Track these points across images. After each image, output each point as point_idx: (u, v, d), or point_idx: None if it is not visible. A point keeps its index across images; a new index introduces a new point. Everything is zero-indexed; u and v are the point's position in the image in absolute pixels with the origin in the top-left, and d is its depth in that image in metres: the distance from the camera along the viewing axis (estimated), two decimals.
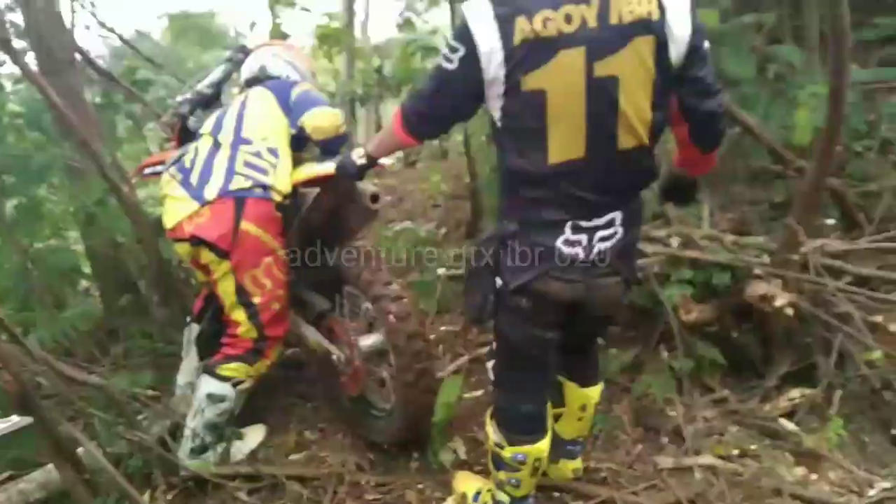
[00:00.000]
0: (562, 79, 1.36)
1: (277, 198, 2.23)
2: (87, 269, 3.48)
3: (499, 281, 1.60)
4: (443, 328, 3.26)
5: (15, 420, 0.70)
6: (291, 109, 2.33)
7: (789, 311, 2.28)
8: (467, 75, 1.42)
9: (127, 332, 3.18)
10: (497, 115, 1.47)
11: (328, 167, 2.11)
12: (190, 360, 2.59)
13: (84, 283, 3.74)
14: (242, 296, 2.22)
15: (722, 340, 2.58)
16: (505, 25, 1.35)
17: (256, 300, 2.23)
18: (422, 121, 1.61)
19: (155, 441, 2.19)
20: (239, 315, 2.25)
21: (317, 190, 2.27)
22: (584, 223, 1.50)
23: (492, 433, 1.81)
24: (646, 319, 2.69)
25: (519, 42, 1.34)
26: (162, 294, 3.13)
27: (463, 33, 1.40)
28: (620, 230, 1.54)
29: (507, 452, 1.76)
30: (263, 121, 2.32)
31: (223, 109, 2.44)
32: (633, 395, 2.49)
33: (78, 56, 3.32)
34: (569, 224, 1.49)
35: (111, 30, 4.07)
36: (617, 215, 1.53)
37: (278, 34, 4.77)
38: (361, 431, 2.43)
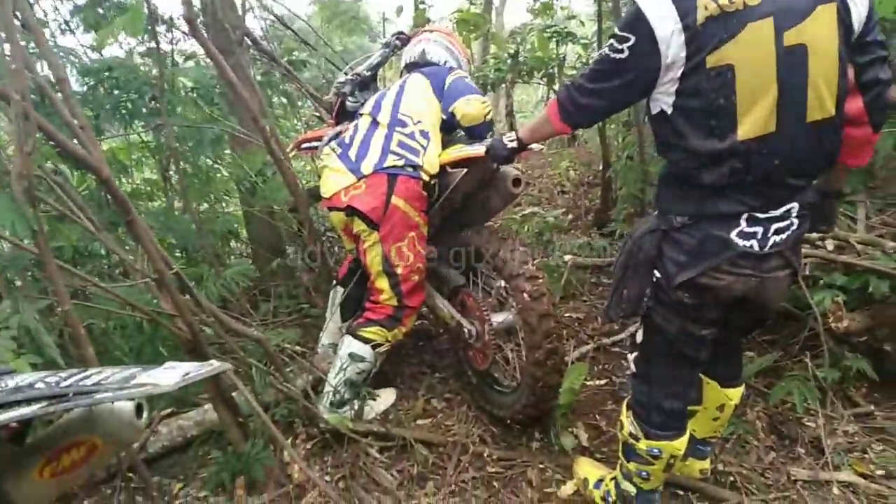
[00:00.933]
0: (751, 52, 1.33)
1: (425, 177, 2.37)
2: (243, 234, 3.82)
3: (657, 274, 1.59)
4: (567, 315, 3.28)
5: (215, 364, 0.81)
6: (445, 95, 2.46)
7: None
8: (640, 64, 1.40)
9: (276, 292, 3.48)
10: (669, 100, 1.43)
11: (479, 149, 2.20)
12: (334, 322, 2.80)
13: (238, 246, 4.12)
14: (387, 265, 2.39)
15: (873, 352, 2.41)
16: (684, 5, 1.32)
17: (399, 270, 2.39)
18: (580, 111, 1.60)
19: (299, 393, 2.39)
20: (382, 283, 2.42)
21: (463, 171, 2.36)
22: (760, 214, 1.46)
23: (627, 424, 1.81)
24: (789, 323, 2.56)
25: (703, 20, 1.31)
26: (309, 259, 3.37)
27: (635, 21, 1.38)
28: (796, 222, 1.50)
29: (643, 445, 1.76)
30: (419, 105, 2.45)
31: (382, 92, 2.60)
32: (770, 402, 2.39)
33: (246, 37, 3.62)
34: (745, 216, 1.45)
35: (274, 15, 4.36)
36: (794, 206, 1.48)
37: (422, 19, 4.91)
38: (486, 405, 2.52)
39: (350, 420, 2.38)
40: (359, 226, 2.38)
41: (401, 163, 2.33)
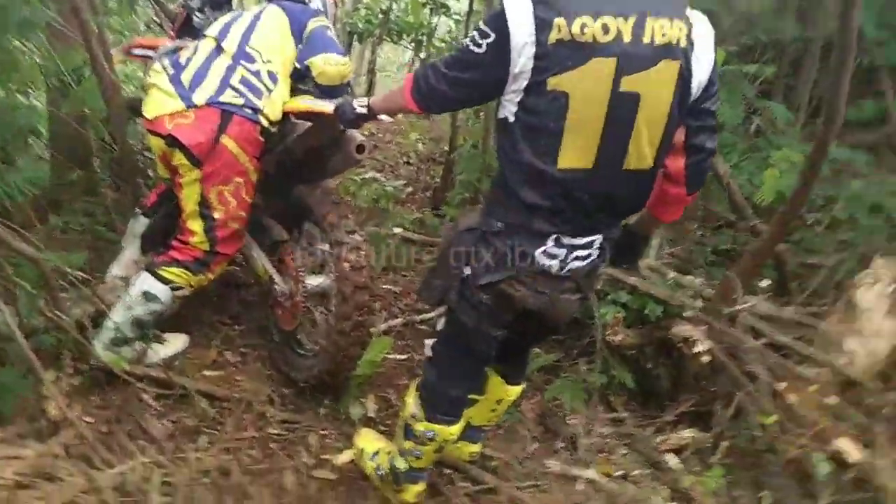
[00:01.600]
0: (588, 85, 1.37)
1: (265, 122, 2.21)
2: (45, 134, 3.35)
3: (467, 270, 1.64)
4: (384, 286, 3.31)
5: None
6: (303, 41, 2.28)
7: (706, 359, 2.42)
8: (494, 63, 1.41)
9: (71, 207, 3.11)
10: (513, 108, 1.45)
11: (327, 106, 2.10)
12: (130, 252, 2.56)
13: (36, 147, 3.61)
14: (204, 207, 2.21)
15: (638, 367, 2.72)
16: (542, 22, 1.34)
17: (217, 215, 2.22)
18: (433, 95, 1.58)
19: (73, 323, 2.17)
20: (195, 225, 2.24)
21: (307, 124, 2.26)
22: (566, 239, 1.54)
23: (411, 404, 1.88)
24: (575, 329, 2.80)
25: (554, 41, 1.34)
26: (116, 178, 3.06)
27: (498, 21, 1.38)
28: (596, 252, 1.60)
29: (421, 426, 1.84)
30: (272, 42, 2.27)
31: (234, 16, 2.36)
32: (545, 398, 2.61)
33: None
34: (553, 237, 1.53)
35: None
36: (598, 238, 1.58)
37: None
38: (283, 366, 2.47)
39: (126, 361, 2.21)
40: (179, 158, 2.15)
41: (240, 101, 2.15)
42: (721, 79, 3.26)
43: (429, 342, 1.90)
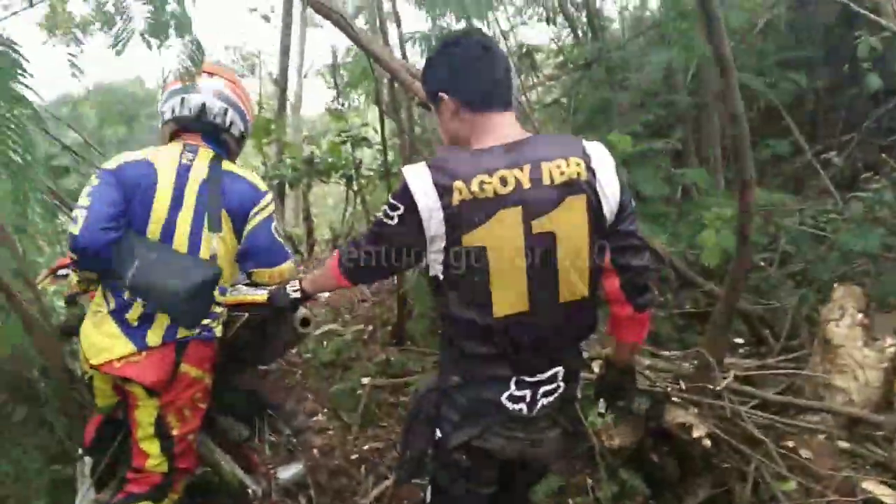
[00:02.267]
0: (501, 236, 1.41)
1: (219, 334, 2.10)
2: None
3: (438, 433, 1.58)
4: (365, 447, 3.15)
5: None
6: (245, 242, 2.07)
7: (707, 443, 2.34)
8: (408, 232, 1.45)
9: (22, 447, 2.90)
10: (439, 268, 1.48)
11: (259, 294, 2.06)
12: (87, 500, 2.35)
13: None
14: (161, 427, 2.04)
15: (643, 463, 2.61)
16: (443, 188, 1.40)
17: (175, 432, 2.06)
18: (357, 269, 1.66)
19: None
20: (152, 447, 2.06)
21: (244, 315, 2.17)
22: (528, 378, 1.51)
23: None
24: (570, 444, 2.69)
25: (458, 202, 1.39)
26: (64, 410, 2.89)
27: (403, 194, 1.43)
28: (563, 385, 1.57)
29: None
30: (225, 256, 2.06)
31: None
32: None
33: None
34: (513, 379, 1.50)
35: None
36: (559, 370, 1.56)
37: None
38: None
39: None
40: (133, 388, 1.98)
41: (195, 331, 2.01)
42: (636, 159, 3.48)
43: None
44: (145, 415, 2.04)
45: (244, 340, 2.24)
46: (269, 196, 2.14)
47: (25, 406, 3.03)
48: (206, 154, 2.08)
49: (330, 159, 6.34)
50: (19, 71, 1.65)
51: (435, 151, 5.08)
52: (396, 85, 4.28)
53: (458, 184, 1.39)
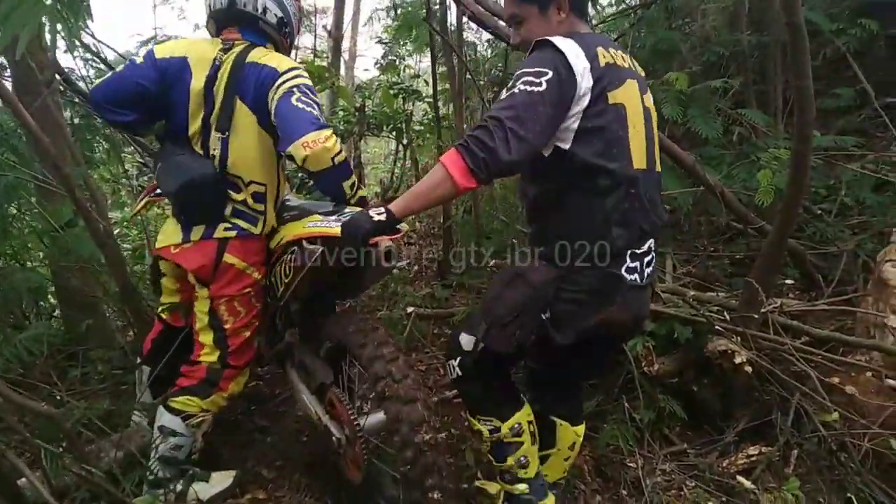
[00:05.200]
0: (632, 97, 1.64)
1: (266, 231, 2.18)
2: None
3: (544, 315, 1.69)
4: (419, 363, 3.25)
5: None
6: (278, 128, 1.97)
7: (748, 369, 2.32)
8: (558, 92, 1.51)
9: (87, 356, 3.11)
10: (569, 135, 1.57)
11: (331, 227, 1.93)
12: (143, 402, 2.49)
13: (47, 305, 3.66)
14: (214, 319, 2.17)
15: (683, 393, 2.61)
16: (588, 52, 1.56)
17: (227, 325, 2.18)
18: (501, 155, 1.45)
19: (104, 474, 2.11)
20: (206, 337, 2.19)
21: (319, 249, 2.00)
22: (637, 250, 1.66)
23: (481, 426, 1.86)
24: (608, 369, 2.71)
25: (604, 64, 1.58)
26: (126, 321, 3.07)
27: (553, 57, 1.53)
28: (653, 257, 1.75)
29: (505, 428, 1.83)
30: (248, 156, 2.08)
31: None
32: (597, 445, 2.49)
33: (58, 76, 3.31)
34: (628, 252, 1.64)
35: (95, 53, 4.04)
36: (651, 242, 1.71)
37: None
38: None
39: (163, 502, 2.12)
40: (190, 277, 2.15)
41: (232, 233, 2.10)
42: (693, 99, 3.39)
43: (454, 362, 1.85)
44: (201, 305, 2.18)
45: (324, 278, 2.16)
46: (292, 72, 2.00)
47: (91, 318, 3.23)
48: (237, 48, 2.06)
49: (384, 109, 6.35)
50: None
51: (484, 94, 5.06)
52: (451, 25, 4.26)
53: (601, 50, 1.58)
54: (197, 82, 2.02)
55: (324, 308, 2.42)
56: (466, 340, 1.79)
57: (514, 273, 1.70)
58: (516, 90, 1.51)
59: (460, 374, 1.85)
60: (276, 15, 2.15)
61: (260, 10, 2.12)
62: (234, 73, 2.02)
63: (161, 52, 2.06)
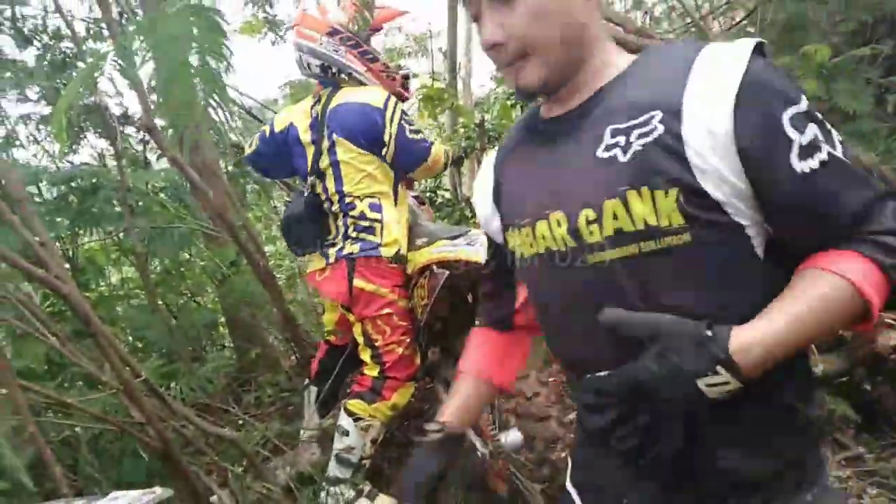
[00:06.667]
0: None
1: (389, 252, 2.35)
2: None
3: None
4: (551, 379, 3.25)
5: (158, 492, 0.80)
6: (395, 158, 2.36)
7: None
8: None
9: (258, 382, 3.45)
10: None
11: (465, 251, 2.15)
12: (311, 421, 2.68)
13: (219, 338, 4.10)
14: (366, 338, 2.39)
15: (854, 393, 2.40)
16: None
17: (378, 343, 2.38)
18: None
19: (281, 489, 2.32)
20: (365, 355, 2.42)
21: (445, 273, 2.21)
22: None
23: None
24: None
25: None
26: (288, 347, 3.36)
27: None
28: None
29: None
30: (359, 178, 2.34)
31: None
32: None
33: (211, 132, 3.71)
34: None
35: (242, 107, 4.49)
36: None
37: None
38: None
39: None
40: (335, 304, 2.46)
41: (356, 247, 2.32)
42: (837, 71, 3.11)
43: None
44: (357, 328, 2.42)
45: (454, 302, 2.34)
46: (390, 104, 2.31)
47: (258, 347, 3.58)
48: (323, 97, 2.40)
49: (502, 121, 6.43)
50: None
51: None
52: None
53: None
54: (304, 135, 2.40)
55: (461, 326, 2.52)
56: None
57: None
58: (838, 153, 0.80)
59: None
60: (316, 65, 2.40)
61: (314, 69, 2.41)
62: (326, 116, 2.36)
63: (278, 124, 2.48)
